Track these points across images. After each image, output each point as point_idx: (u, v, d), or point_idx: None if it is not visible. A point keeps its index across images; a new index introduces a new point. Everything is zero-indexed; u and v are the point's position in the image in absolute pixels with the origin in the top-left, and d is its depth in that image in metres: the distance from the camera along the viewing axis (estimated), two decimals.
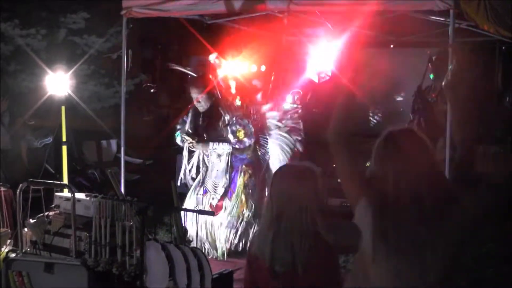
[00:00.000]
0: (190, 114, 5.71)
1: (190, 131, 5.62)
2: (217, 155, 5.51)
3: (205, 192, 5.58)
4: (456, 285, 2.26)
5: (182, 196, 5.53)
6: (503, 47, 8.37)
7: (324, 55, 6.44)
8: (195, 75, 5.61)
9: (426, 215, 2.22)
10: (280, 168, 2.84)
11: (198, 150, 5.59)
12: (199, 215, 5.22)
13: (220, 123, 5.50)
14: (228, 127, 5.46)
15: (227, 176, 5.47)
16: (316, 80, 6.00)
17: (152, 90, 12.80)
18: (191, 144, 5.50)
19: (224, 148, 5.46)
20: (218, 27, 7.02)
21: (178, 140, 5.75)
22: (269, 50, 6.66)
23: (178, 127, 5.79)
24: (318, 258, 2.59)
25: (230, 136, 5.44)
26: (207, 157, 5.59)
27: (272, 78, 6.15)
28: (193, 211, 5.14)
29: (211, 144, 5.48)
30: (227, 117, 5.50)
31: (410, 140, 2.35)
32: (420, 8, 5.10)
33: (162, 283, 3.43)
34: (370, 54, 8.46)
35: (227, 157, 5.50)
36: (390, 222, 2.25)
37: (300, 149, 5.71)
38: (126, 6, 5.65)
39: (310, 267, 2.58)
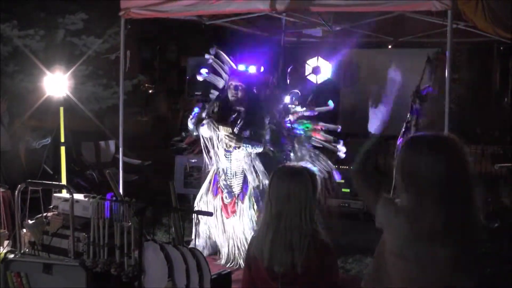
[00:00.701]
0: (214, 103, 5.40)
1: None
2: (240, 153, 5.20)
3: (216, 193, 5.37)
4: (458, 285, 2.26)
5: (181, 197, 5.51)
6: (501, 48, 8.40)
7: (322, 56, 6.46)
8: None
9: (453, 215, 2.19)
10: (279, 169, 2.85)
11: (226, 143, 5.20)
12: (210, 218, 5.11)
13: (266, 121, 5.21)
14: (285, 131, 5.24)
15: (244, 177, 5.24)
16: (314, 81, 6.01)
17: (150, 91, 12.82)
18: (227, 137, 5.13)
19: (255, 149, 5.15)
20: (216, 28, 7.03)
21: (191, 123, 5.36)
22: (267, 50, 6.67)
23: (197, 110, 5.44)
24: (317, 257, 2.60)
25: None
26: (228, 152, 5.26)
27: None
28: (191, 211, 5.13)
29: (245, 141, 5.11)
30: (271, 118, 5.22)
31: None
32: (418, 8, 5.09)
33: (161, 284, 3.43)
34: (368, 54, 8.50)
35: (250, 158, 5.22)
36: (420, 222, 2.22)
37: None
38: (124, 7, 5.65)
39: (309, 267, 2.58)
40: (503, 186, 6.77)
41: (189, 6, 5.47)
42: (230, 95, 5.27)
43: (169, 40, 13.93)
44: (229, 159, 5.26)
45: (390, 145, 6.62)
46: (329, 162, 5.49)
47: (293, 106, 5.55)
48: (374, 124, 2.66)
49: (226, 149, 5.26)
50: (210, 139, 5.31)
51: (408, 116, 6.41)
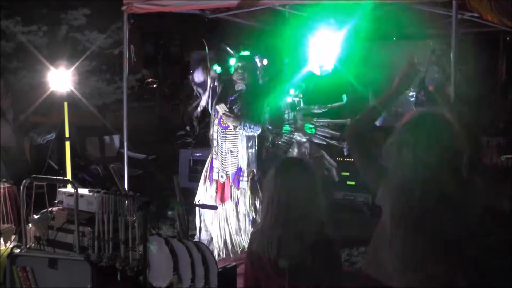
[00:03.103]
0: (217, 90, 5.44)
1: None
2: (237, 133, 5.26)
3: (212, 180, 5.36)
4: (462, 277, 2.25)
5: (185, 191, 5.50)
6: (508, 38, 8.33)
7: (326, 48, 6.41)
8: None
9: (446, 200, 2.21)
10: (284, 161, 2.83)
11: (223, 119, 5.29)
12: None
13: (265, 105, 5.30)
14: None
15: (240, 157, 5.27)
16: (318, 73, 5.97)
17: (154, 85, 12.82)
18: (224, 115, 5.19)
19: (253, 130, 5.21)
20: (219, 21, 7.00)
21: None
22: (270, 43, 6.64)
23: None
24: (324, 248, 2.59)
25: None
26: (224, 129, 5.30)
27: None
28: (195, 205, 5.11)
29: (243, 121, 5.18)
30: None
31: (435, 123, 2.31)
32: None
33: (166, 278, 3.43)
34: (372, 46, 8.45)
35: (250, 142, 5.27)
36: (407, 205, 2.24)
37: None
38: (127, 1, 5.63)
39: (317, 258, 2.57)
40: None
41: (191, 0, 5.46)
42: (236, 75, 5.32)
43: (172, 35, 13.92)
44: (224, 137, 5.30)
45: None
46: (331, 160, 5.51)
47: (298, 99, 5.55)
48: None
49: (222, 125, 5.30)
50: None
51: (413, 108, 6.38)
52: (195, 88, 5.49)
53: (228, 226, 5.31)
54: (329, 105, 5.52)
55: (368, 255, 2.59)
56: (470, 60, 6.57)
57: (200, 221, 5.38)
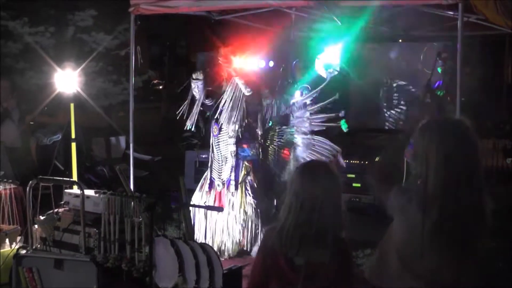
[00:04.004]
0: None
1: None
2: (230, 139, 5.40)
3: (210, 188, 5.46)
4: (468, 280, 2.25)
5: (191, 192, 5.52)
6: None
7: (332, 51, 6.40)
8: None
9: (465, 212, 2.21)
10: (307, 164, 2.89)
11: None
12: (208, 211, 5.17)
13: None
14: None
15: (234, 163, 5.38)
16: (324, 76, 5.96)
17: (160, 87, 12.84)
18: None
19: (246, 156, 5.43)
20: (226, 23, 7.00)
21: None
22: (277, 45, 6.64)
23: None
24: (341, 251, 2.68)
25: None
26: (216, 137, 5.47)
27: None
28: (201, 206, 5.13)
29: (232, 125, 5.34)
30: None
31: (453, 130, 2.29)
32: (429, 2, 5.06)
33: (171, 279, 3.44)
34: (378, 48, 8.45)
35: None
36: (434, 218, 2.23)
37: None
38: (133, 3, 5.65)
39: (333, 260, 2.62)
40: None
41: (198, 1, 5.47)
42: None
43: (178, 36, 13.94)
44: (218, 144, 5.43)
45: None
46: (334, 145, 5.55)
47: (304, 101, 5.59)
48: None
49: (214, 133, 5.46)
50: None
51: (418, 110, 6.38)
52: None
53: (222, 231, 5.37)
54: (322, 104, 5.59)
55: (372, 264, 2.62)
56: (476, 62, 6.56)
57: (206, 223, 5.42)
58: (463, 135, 2.26)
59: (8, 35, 7.80)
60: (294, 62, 6.31)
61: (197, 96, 5.49)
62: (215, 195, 5.44)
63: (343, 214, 2.72)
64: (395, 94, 7.93)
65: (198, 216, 5.39)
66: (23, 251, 4.20)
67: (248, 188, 5.36)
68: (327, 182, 2.70)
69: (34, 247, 4.27)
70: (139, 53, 5.96)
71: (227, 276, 3.57)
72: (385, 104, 8.14)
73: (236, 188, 5.34)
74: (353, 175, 6.66)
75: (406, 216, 2.30)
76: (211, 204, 5.38)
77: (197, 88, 5.46)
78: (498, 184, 6.73)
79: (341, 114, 5.57)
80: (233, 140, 5.36)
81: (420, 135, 2.32)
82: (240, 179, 5.38)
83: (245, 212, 5.31)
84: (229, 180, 5.38)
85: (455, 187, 2.20)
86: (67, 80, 5.60)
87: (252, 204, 5.33)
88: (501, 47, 8.50)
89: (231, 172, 5.38)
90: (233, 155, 5.37)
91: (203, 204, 5.32)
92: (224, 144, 5.42)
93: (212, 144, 5.52)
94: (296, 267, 2.66)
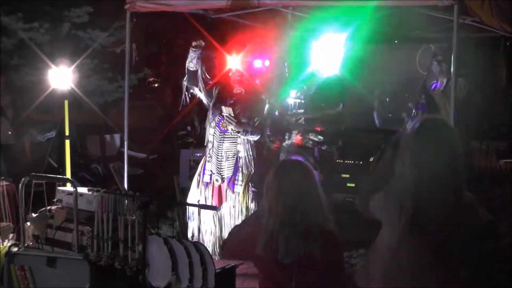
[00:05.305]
0: (215, 92, 5.42)
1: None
2: (237, 137, 5.24)
3: (207, 185, 5.36)
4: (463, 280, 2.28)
5: (186, 191, 5.50)
6: (508, 43, 8.33)
7: (328, 50, 6.42)
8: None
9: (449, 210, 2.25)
10: (283, 163, 2.85)
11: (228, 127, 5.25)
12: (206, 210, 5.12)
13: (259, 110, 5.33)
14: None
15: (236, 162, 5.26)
16: (320, 75, 5.98)
17: (156, 85, 12.81)
18: (228, 118, 5.14)
19: (253, 136, 5.19)
20: (222, 21, 7.00)
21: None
22: (273, 44, 6.64)
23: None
24: (329, 240, 2.69)
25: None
26: (223, 133, 5.27)
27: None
28: (195, 205, 5.11)
29: (245, 127, 5.15)
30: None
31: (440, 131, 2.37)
32: (425, 3, 5.06)
33: (165, 278, 3.43)
34: (374, 49, 8.45)
35: (248, 144, 5.24)
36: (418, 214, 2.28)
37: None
38: (129, 0, 5.63)
39: (322, 250, 2.61)
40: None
41: (194, 0, 5.46)
42: (233, 78, 5.28)
43: (175, 34, 13.90)
44: (222, 140, 5.26)
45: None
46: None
47: (300, 100, 5.57)
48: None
49: (222, 129, 5.27)
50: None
51: (413, 111, 6.39)
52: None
53: (222, 229, 5.31)
54: (324, 112, 5.54)
55: (360, 268, 2.69)
56: (471, 64, 6.57)
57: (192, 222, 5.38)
58: (439, 135, 2.34)
59: (2, 31, 7.75)
60: (290, 62, 6.32)
61: (193, 68, 5.34)
62: (212, 190, 5.32)
63: (327, 206, 2.71)
64: (387, 98, 7.94)
65: (203, 215, 5.30)
66: (15, 249, 4.18)
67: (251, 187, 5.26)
68: (303, 179, 2.69)
69: (26, 245, 4.25)
70: (135, 50, 5.94)
71: (221, 275, 3.56)
72: (379, 104, 8.14)
73: (233, 188, 5.28)
74: (347, 175, 6.67)
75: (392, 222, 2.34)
76: (210, 198, 5.29)
77: (195, 59, 5.32)
78: (491, 186, 6.75)
79: (339, 108, 5.56)
80: (240, 140, 5.23)
81: (399, 138, 2.43)
82: (243, 180, 5.27)
83: (247, 208, 5.25)
84: (235, 175, 5.27)
85: (430, 184, 2.27)
86: (62, 77, 5.58)
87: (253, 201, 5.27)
88: (496, 50, 8.52)
89: (234, 171, 5.27)
90: (238, 154, 5.24)
91: (200, 203, 5.27)
92: (229, 142, 5.26)
93: (213, 137, 5.31)
94: (285, 266, 2.65)
